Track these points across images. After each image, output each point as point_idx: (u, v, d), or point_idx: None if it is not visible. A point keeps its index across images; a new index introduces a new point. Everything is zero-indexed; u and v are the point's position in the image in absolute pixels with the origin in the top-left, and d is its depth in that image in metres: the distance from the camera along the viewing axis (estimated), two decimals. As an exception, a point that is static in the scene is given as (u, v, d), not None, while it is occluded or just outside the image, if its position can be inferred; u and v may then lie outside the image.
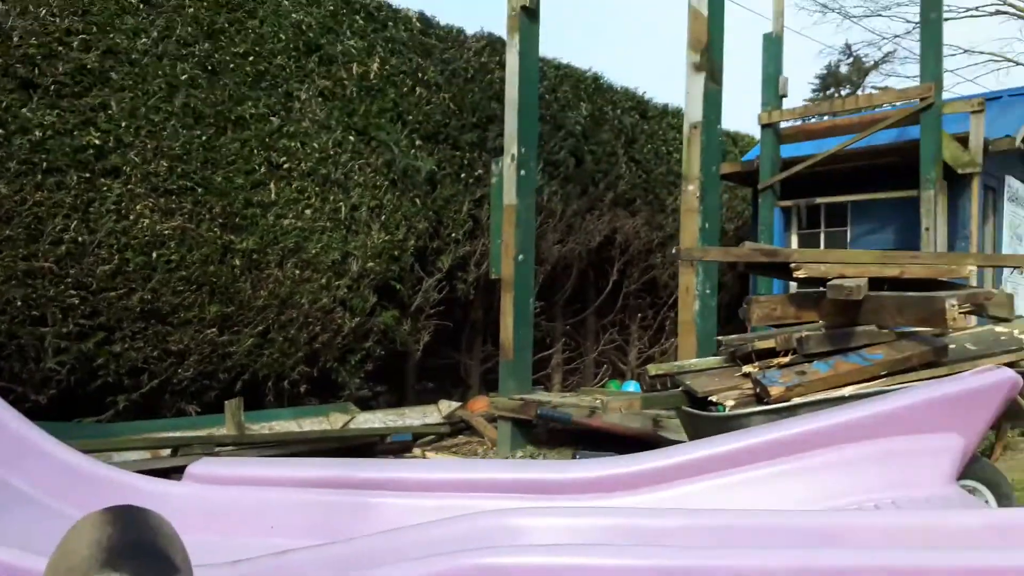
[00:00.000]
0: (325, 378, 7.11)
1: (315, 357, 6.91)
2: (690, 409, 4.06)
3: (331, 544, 2.35)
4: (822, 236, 9.91)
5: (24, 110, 5.36)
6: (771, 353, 4.30)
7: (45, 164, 5.41)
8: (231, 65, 6.45)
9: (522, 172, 6.53)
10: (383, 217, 7.24)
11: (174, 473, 4.27)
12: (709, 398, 4.08)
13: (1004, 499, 3.29)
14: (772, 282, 8.71)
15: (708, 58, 5.74)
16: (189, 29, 6.23)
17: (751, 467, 2.88)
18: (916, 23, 11.31)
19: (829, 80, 29.15)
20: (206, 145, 6.21)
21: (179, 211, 6.02)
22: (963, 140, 8.23)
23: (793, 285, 5.22)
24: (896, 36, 24.82)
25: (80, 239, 5.53)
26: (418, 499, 2.82)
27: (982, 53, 22.93)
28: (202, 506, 2.88)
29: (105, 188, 5.68)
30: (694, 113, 5.81)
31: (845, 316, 4.15)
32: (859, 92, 26.07)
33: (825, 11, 24.64)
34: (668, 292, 9.96)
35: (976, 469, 3.27)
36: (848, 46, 27.10)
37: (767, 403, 3.79)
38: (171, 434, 5.71)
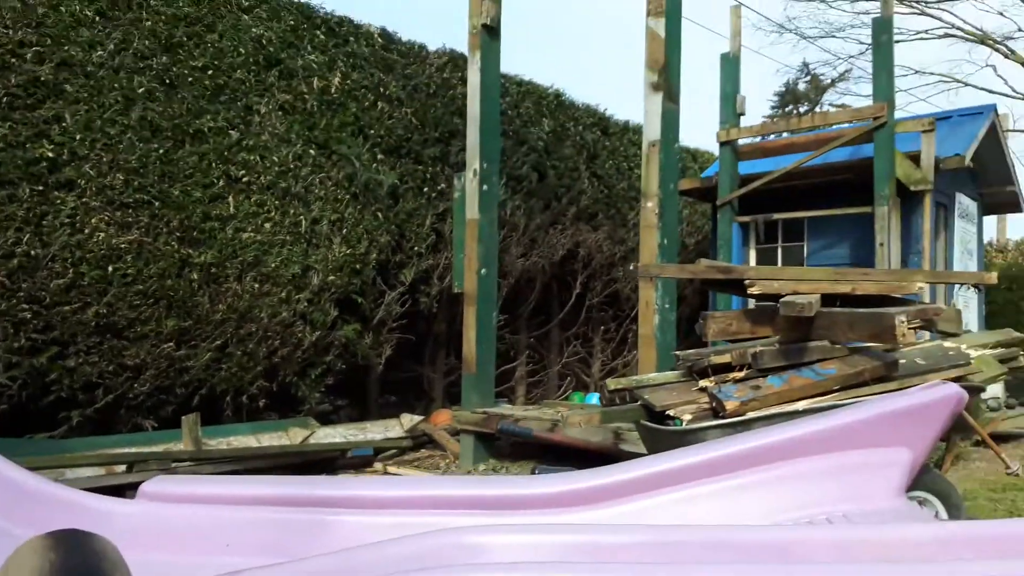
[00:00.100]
0: (285, 393, 7.04)
1: (274, 371, 6.84)
2: (648, 423, 4.10)
3: (286, 563, 2.32)
4: (779, 251, 10.07)
5: (-25, 121, 5.26)
6: (727, 368, 4.38)
7: (-4, 176, 5.30)
8: (189, 79, 6.39)
9: (484, 187, 6.55)
10: (344, 230, 7.21)
11: (129, 490, 4.19)
12: (667, 412, 4.12)
13: (954, 509, 3.36)
14: (731, 296, 8.82)
15: (665, 78, 5.82)
16: (147, 42, 6.16)
17: (708, 481, 2.92)
18: (869, 44, 11.60)
19: (788, 97, 29.71)
20: (163, 158, 6.13)
21: (136, 224, 5.94)
22: (915, 158, 8.44)
23: (751, 300, 5.31)
24: (851, 56, 25.36)
25: (33, 252, 5.43)
26: (375, 516, 2.80)
27: (932, 74, 23.59)
28: (155, 525, 2.83)
29: (59, 201, 5.58)
30: (652, 132, 5.88)
31: (799, 332, 4.23)
32: (817, 109, 26.62)
33: (781, 31, 25.14)
34: (631, 305, 10.03)
35: (927, 480, 3.35)
36: (806, 64, 27.66)
37: (723, 417, 3.85)
38: (126, 450, 5.61)
